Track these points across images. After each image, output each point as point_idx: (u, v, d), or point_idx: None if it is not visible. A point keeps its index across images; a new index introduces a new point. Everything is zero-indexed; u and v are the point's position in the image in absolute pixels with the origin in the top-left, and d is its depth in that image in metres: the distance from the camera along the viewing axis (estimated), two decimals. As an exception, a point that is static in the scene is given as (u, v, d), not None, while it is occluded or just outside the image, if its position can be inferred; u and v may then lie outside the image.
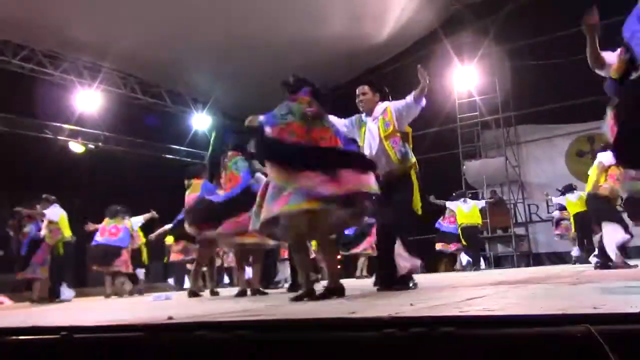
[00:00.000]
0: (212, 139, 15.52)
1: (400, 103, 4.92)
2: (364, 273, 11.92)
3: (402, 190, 4.84)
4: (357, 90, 5.14)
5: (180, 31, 11.41)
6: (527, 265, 13.63)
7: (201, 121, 15.55)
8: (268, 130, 4.13)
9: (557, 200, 11.64)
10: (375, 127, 4.95)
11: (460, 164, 15.15)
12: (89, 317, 3.94)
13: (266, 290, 6.48)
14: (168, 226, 10.09)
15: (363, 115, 5.11)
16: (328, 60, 12.84)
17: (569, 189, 11.50)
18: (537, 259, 14.13)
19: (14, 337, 2.50)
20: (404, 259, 4.62)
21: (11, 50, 11.66)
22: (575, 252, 11.40)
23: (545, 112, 13.76)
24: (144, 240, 11.12)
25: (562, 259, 12.90)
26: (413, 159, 4.95)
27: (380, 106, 5.04)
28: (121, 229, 10.06)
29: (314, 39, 12.44)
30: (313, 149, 4.06)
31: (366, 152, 4.88)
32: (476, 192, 15.28)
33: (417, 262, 4.82)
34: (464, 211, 12.54)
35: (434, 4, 13.59)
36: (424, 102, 4.89)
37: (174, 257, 10.88)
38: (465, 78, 14.79)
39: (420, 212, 4.94)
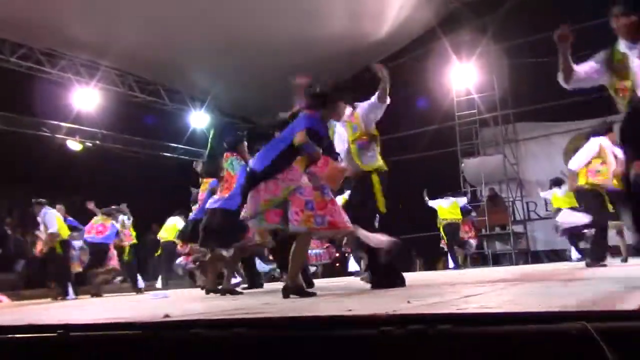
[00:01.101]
0: (210, 137, 15.49)
1: (365, 104, 4.98)
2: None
3: (360, 192, 4.95)
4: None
5: (179, 29, 11.37)
6: (526, 262, 13.62)
7: (199, 119, 15.52)
8: None
9: (544, 194, 11.63)
10: (343, 131, 5.02)
11: (459, 161, 15.15)
12: (86, 315, 3.94)
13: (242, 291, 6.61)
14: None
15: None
16: (326, 58, 12.82)
17: (557, 182, 11.46)
18: (535, 257, 14.13)
19: (11, 335, 2.50)
20: (372, 239, 4.64)
21: (8, 49, 11.62)
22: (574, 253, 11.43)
23: (543, 110, 13.75)
24: (134, 241, 11.07)
25: (560, 256, 12.90)
26: (378, 163, 4.96)
27: (348, 109, 5.00)
28: (108, 227, 10.16)
29: (313, 37, 12.41)
30: None
31: (341, 157, 4.99)
32: (474, 189, 15.29)
33: (382, 237, 4.71)
34: (444, 207, 12.52)
35: (432, 2, 13.55)
36: (388, 100, 4.92)
37: (186, 259, 10.62)
38: (464, 76, 14.77)
39: (384, 211, 4.92)
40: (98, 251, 10.00)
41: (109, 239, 10.11)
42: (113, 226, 10.28)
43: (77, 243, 10.32)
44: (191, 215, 7.73)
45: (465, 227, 12.83)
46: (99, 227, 10.11)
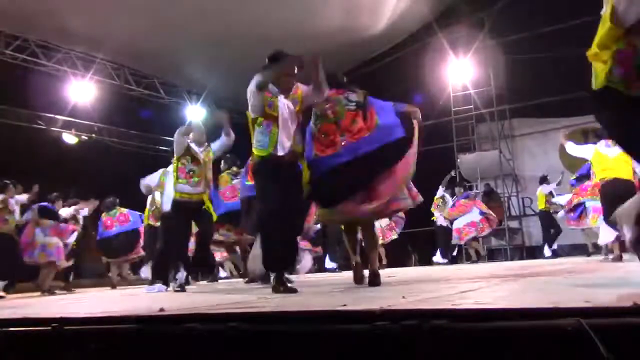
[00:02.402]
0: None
1: (306, 88, 4.58)
2: (384, 262, 11.75)
3: (297, 179, 4.48)
4: (291, 70, 4.59)
5: (175, 22, 11.35)
6: (521, 258, 13.67)
7: (195, 113, 15.51)
8: (309, 152, 4.52)
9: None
10: (291, 106, 4.47)
11: (455, 157, 15.16)
12: (80, 308, 3.93)
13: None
14: None
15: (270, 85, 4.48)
16: (323, 51, 12.67)
17: (543, 180, 11.51)
18: (530, 252, 14.17)
19: (5, 329, 2.49)
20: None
21: (4, 41, 11.59)
22: (546, 251, 11.56)
23: (539, 106, 13.77)
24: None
25: (555, 252, 12.93)
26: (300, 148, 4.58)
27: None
28: (129, 214, 10.34)
29: (309, 31, 12.39)
30: (346, 170, 4.35)
31: (288, 127, 4.39)
32: (470, 185, 15.31)
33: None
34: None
35: (429, -3, 13.57)
36: (325, 93, 4.58)
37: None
38: (460, 71, 14.78)
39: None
40: (128, 239, 10.19)
41: (137, 223, 10.25)
42: (132, 212, 10.45)
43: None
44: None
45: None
46: (120, 217, 10.28)
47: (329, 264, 11.42)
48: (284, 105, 4.42)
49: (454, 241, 12.48)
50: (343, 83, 4.83)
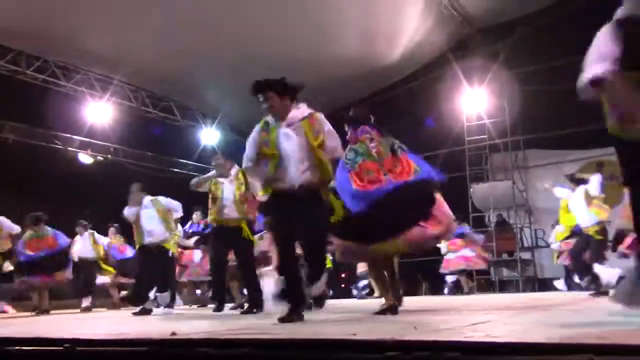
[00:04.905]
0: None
1: (330, 131, 4.44)
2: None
3: (315, 206, 4.31)
4: (259, 98, 4.56)
5: (192, 46, 11.48)
6: (533, 290, 13.53)
7: (210, 136, 15.62)
8: (345, 182, 4.47)
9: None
10: (295, 135, 4.34)
11: (468, 186, 15.10)
12: (93, 330, 3.95)
13: None
14: None
15: (270, 119, 4.53)
16: (339, 79, 12.92)
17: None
18: (542, 284, 14.02)
19: (18, 348, 2.51)
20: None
21: (25, 61, 11.78)
22: (561, 284, 11.41)
23: (554, 137, 13.74)
24: None
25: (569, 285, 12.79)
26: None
27: (299, 111, 4.46)
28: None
29: (325, 58, 12.50)
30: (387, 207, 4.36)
31: (293, 164, 4.27)
32: (482, 215, 15.23)
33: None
34: None
35: (446, 27, 13.63)
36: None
37: None
38: (475, 101, 14.79)
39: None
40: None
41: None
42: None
43: None
44: None
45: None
46: (121, 246, 10.95)
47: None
48: (285, 135, 4.34)
49: (441, 271, 12.36)
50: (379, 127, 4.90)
